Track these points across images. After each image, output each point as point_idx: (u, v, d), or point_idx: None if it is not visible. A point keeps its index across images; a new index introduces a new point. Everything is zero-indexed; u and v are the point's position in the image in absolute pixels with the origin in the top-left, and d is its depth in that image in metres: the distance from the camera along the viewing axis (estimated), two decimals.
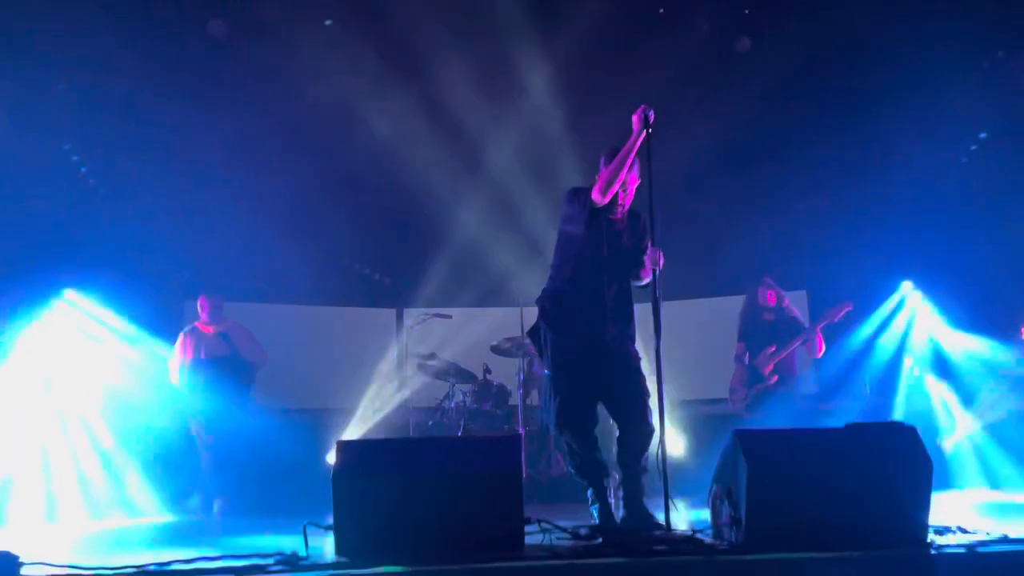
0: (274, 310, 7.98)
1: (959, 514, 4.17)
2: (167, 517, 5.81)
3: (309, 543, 3.15)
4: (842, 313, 5.59)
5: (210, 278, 7.27)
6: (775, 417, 5.45)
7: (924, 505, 3.02)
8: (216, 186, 7.25)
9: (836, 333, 6.28)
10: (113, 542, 4.45)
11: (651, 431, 3.78)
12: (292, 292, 7.94)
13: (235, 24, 6.73)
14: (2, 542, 2.92)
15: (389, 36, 6.77)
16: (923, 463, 3.04)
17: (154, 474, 6.23)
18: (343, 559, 2.99)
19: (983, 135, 6.99)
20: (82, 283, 6.85)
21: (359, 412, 7.23)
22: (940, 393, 7.07)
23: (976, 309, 6.88)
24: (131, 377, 6.53)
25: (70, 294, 6.79)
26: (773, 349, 5.61)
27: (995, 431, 6.44)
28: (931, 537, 3.04)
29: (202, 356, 6.29)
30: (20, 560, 2.79)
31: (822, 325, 5.64)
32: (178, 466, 6.32)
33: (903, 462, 3.05)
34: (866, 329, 7.20)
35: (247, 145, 6.99)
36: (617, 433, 3.90)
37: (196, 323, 6.50)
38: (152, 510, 5.99)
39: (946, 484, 5.99)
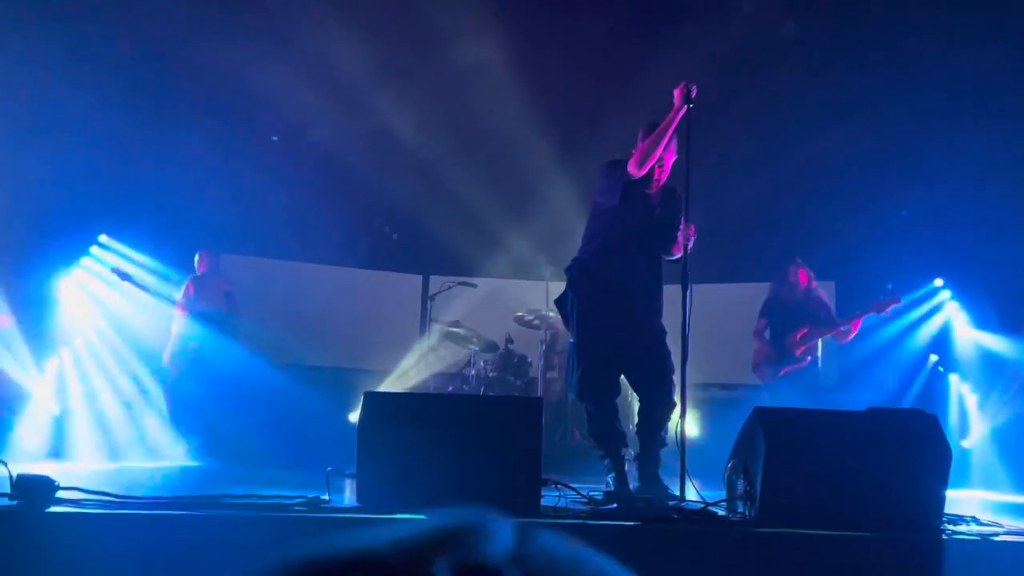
0: (303, 268, 8.09)
1: (972, 509, 4.17)
2: (193, 462, 5.96)
3: (332, 490, 3.24)
4: (890, 307, 5.48)
5: (243, 232, 7.38)
6: (801, 393, 5.44)
7: (940, 492, 3.04)
8: (254, 139, 7.33)
9: (866, 325, 6.20)
10: (140, 481, 4.58)
11: (673, 405, 3.82)
12: (321, 251, 8.03)
13: None
14: (46, 469, 3.04)
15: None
16: (942, 451, 3.06)
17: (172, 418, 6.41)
18: (363, 505, 3.07)
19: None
20: (117, 231, 7.01)
21: (387, 380, 7.32)
22: (961, 393, 7.04)
23: (1006, 310, 6.81)
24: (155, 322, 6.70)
25: (105, 239, 6.96)
26: (807, 331, 5.55)
27: (1000, 433, 6.41)
28: (945, 525, 3.06)
29: (203, 306, 6.43)
30: (57, 484, 2.90)
31: (866, 315, 5.52)
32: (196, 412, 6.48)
33: (922, 449, 3.07)
34: (894, 324, 7.15)
35: (283, 100, 7.04)
36: (638, 406, 3.94)
37: (201, 273, 6.65)
38: (178, 455, 6.16)
39: (959, 482, 5.96)
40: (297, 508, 2.98)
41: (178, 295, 6.56)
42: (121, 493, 3.05)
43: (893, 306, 5.48)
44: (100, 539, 2.72)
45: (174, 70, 6.92)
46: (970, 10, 6.39)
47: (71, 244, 6.76)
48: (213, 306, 6.52)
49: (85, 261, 6.83)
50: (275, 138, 7.66)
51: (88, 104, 6.41)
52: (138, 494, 3.10)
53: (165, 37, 6.70)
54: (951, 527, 3.07)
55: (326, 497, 3.13)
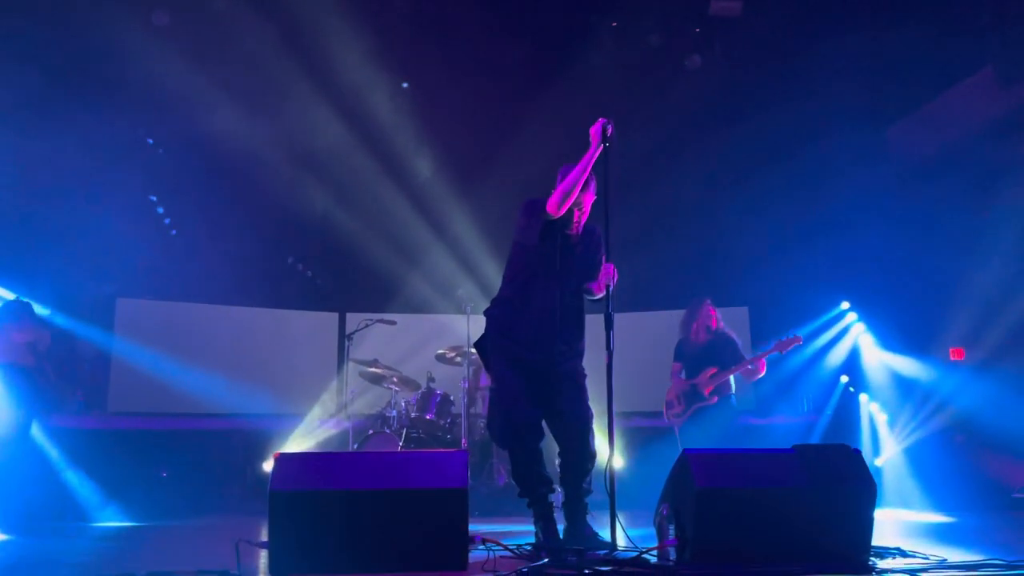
0: (209, 311, 7.70)
1: (893, 535, 4.24)
2: (89, 526, 5.52)
3: (241, 561, 3.00)
4: (791, 347, 5.57)
5: (139, 275, 6.99)
6: (712, 431, 5.45)
7: (867, 527, 3.05)
8: (147, 177, 6.98)
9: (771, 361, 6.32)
10: (26, 556, 4.18)
11: (592, 455, 3.73)
12: (231, 293, 7.67)
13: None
14: None
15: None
16: (867, 486, 3.07)
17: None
18: None
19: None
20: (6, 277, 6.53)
21: (303, 423, 7.01)
22: (872, 413, 7.27)
23: (909, 332, 7.08)
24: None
25: None
26: (714, 371, 5.58)
27: (912, 452, 6.63)
28: (872, 559, 3.07)
29: (6, 360, 5.87)
30: None
31: (769, 353, 5.60)
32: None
33: (848, 485, 3.07)
34: (806, 347, 7.32)
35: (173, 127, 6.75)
36: (559, 453, 3.83)
37: (7, 325, 5.97)
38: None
39: (876, 502, 6.09)
40: None
41: None
42: None
43: (794, 345, 5.57)
44: None
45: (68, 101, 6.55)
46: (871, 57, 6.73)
47: None
48: (25, 362, 5.87)
49: None
50: None
51: None
52: None
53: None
54: (879, 561, 3.09)
55: (236, 573, 2.89)
